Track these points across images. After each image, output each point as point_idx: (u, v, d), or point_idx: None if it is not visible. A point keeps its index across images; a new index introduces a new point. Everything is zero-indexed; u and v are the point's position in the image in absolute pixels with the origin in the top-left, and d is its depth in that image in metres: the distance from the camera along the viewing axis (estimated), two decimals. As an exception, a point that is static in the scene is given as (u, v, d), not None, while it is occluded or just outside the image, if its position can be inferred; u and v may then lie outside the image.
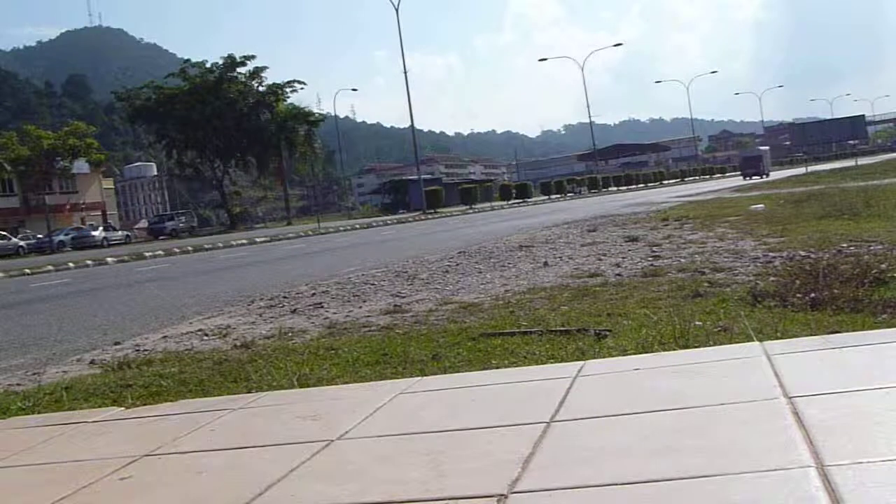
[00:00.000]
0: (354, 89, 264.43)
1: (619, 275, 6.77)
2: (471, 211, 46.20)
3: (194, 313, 7.69)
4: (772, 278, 5.37)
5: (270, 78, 68.83)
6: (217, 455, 2.75)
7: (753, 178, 54.86)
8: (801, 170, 53.13)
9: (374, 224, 38.06)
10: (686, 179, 76.11)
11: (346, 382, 3.75)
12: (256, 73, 66.07)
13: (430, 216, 42.56)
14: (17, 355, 6.20)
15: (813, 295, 4.30)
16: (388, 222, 39.27)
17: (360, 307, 6.66)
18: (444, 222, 31.32)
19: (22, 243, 45.91)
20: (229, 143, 64.68)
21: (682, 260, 7.34)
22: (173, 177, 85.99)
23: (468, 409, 2.93)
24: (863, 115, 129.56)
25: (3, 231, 48.15)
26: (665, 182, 72.91)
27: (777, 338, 3.48)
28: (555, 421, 2.61)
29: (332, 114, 75.31)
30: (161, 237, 56.12)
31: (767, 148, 73.63)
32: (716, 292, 5.11)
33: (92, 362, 5.33)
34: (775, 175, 52.04)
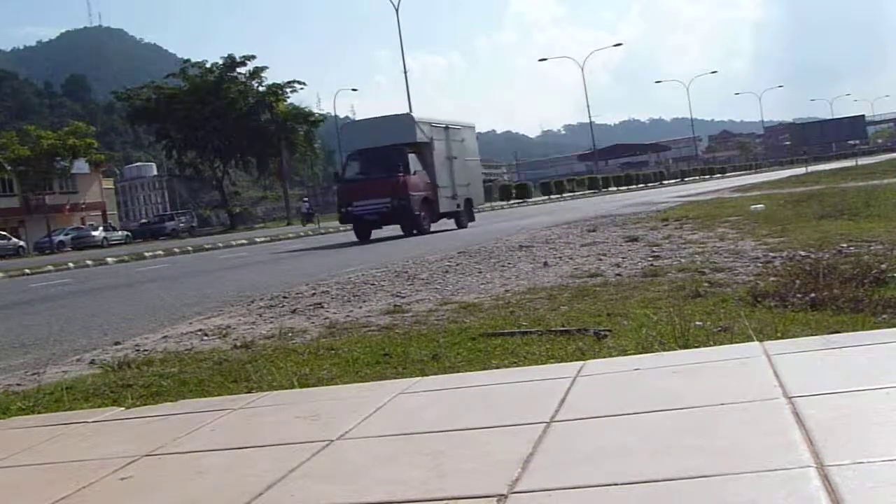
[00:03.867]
0: (354, 89, 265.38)
1: (619, 275, 6.77)
2: (471, 211, 46.08)
3: (194, 313, 7.68)
4: (772, 278, 5.36)
5: (270, 78, 68.96)
6: (217, 455, 2.75)
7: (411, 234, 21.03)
8: (800, 170, 52.95)
9: (374, 224, 37.95)
10: (686, 179, 75.97)
11: (346, 382, 3.75)
12: (256, 73, 66.19)
13: (430, 216, 42.41)
14: (17, 355, 6.19)
15: (813, 295, 4.30)
16: (388, 222, 39.16)
17: (360, 307, 6.65)
18: (444, 222, 31.25)
19: (22, 243, 45.98)
20: (229, 143, 64.75)
21: (682, 260, 7.33)
22: (173, 177, 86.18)
23: (468, 409, 2.93)
24: (863, 115, 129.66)
25: (3, 231, 48.17)
26: (665, 182, 72.82)
27: (777, 338, 3.48)
28: (555, 421, 2.61)
29: (333, 114, 75.45)
30: (161, 237, 56.21)
31: (473, 125, 26.96)
32: (716, 292, 5.10)
33: (92, 362, 5.33)
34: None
